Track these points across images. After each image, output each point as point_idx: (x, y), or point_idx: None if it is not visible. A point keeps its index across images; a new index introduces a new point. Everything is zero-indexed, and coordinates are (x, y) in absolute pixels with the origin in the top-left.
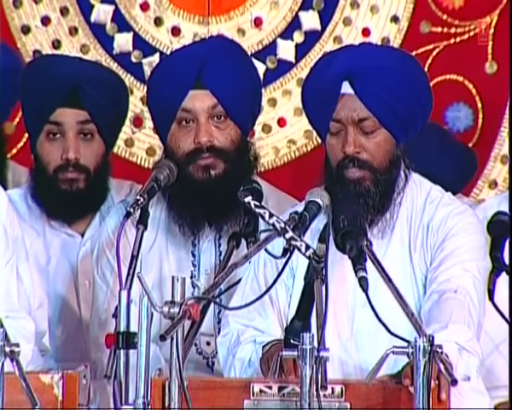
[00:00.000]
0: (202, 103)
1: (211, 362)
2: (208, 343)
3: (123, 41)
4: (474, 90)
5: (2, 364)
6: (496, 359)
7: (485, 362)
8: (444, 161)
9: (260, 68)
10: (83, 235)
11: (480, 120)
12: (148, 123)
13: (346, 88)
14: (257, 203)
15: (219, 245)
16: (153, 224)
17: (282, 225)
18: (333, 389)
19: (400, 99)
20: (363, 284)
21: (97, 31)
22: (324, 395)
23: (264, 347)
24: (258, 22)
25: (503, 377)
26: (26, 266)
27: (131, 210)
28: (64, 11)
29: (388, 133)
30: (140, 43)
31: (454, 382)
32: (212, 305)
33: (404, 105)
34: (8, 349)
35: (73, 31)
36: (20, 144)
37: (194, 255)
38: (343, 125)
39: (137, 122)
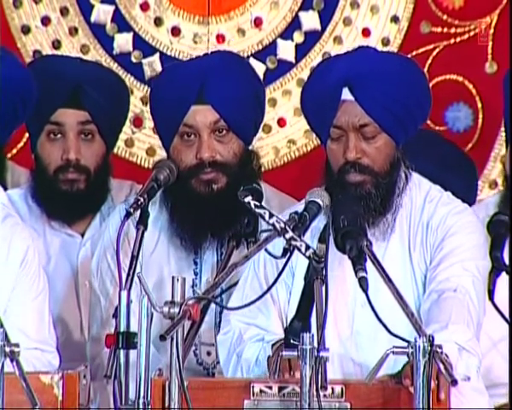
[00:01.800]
0: (204, 119)
1: (211, 373)
2: (209, 353)
3: (123, 41)
4: (473, 90)
5: (2, 364)
6: (494, 357)
7: (484, 360)
8: (455, 179)
9: (260, 68)
10: (83, 235)
11: (480, 120)
12: (148, 123)
13: (346, 94)
14: (257, 203)
15: (221, 254)
16: (155, 229)
17: (282, 225)
18: (333, 389)
19: (400, 103)
20: (363, 284)
21: (97, 31)
22: (324, 395)
23: (273, 345)
24: (258, 22)
25: (502, 376)
26: None
27: (131, 210)
28: (64, 11)
29: (388, 137)
30: (140, 43)
31: (454, 382)
32: (212, 315)
33: (404, 108)
34: (8, 349)
35: (73, 31)
36: (20, 144)
37: (195, 263)
38: (344, 131)
39: (137, 122)
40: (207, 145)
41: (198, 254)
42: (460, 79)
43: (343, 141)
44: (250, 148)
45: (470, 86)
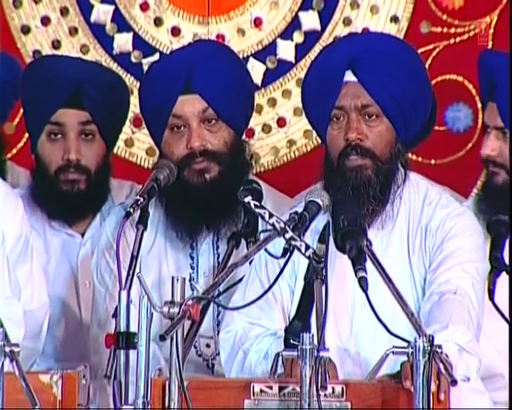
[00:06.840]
0: (192, 108)
1: (211, 364)
2: (208, 345)
3: (123, 41)
4: (473, 91)
5: (2, 364)
6: (493, 357)
7: (483, 361)
8: None
9: (260, 68)
10: (83, 235)
11: (480, 120)
12: None
13: (349, 76)
14: (257, 203)
15: (217, 247)
16: (152, 226)
17: (282, 225)
18: (333, 388)
19: (402, 87)
20: (363, 284)
21: (97, 31)
22: (325, 395)
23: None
24: (257, 22)
25: (497, 367)
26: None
27: (131, 210)
28: (64, 11)
29: (390, 124)
30: (140, 43)
31: (454, 382)
32: (211, 307)
33: (406, 94)
34: (8, 349)
35: (73, 31)
36: (20, 144)
37: (192, 258)
38: (346, 112)
39: (137, 122)
40: (197, 134)
41: (194, 248)
42: (460, 79)
43: (344, 123)
44: (251, 150)
45: (470, 86)
